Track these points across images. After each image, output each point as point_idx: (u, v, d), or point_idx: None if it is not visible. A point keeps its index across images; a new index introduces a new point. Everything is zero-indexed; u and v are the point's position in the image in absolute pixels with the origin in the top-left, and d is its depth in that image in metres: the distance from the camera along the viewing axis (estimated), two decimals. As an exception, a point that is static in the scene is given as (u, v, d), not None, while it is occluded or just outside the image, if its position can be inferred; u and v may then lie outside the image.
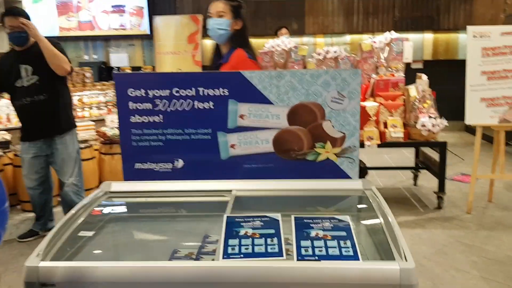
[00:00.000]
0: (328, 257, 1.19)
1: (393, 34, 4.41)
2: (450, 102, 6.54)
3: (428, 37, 8.59)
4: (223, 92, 1.70)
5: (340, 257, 1.19)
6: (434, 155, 4.39)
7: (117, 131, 4.38)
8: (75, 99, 5.40)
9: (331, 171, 1.74)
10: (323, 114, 1.71)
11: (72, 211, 1.51)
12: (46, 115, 3.36)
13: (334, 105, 1.70)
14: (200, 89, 1.71)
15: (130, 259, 1.52)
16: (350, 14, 8.55)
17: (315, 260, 1.18)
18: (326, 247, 1.23)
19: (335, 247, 1.23)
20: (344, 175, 1.74)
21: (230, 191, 1.65)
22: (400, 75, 4.30)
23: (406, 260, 1.16)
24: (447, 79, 7.87)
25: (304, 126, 1.72)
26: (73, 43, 9.27)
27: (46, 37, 3.25)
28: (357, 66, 4.40)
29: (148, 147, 1.76)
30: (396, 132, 4.00)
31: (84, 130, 4.85)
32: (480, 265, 3.06)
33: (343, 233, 1.28)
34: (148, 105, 1.73)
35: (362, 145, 3.84)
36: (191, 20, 7.79)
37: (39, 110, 3.34)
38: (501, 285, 2.80)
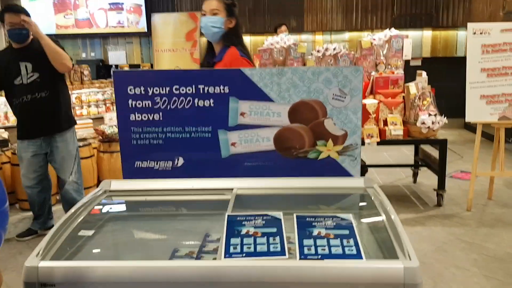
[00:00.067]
0: (331, 256, 1.18)
1: (393, 31, 4.39)
2: (449, 99, 6.54)
3: (427, 34, 8.59)
4: (224, 89, 1.69)
5: (343, 256, 1.18)
6: (434, 153, 4.39)
7: (115, 129, 4.36)
8: (73, 97, 5.38)
9: (333, 169, 1.72)
10: (324, 111, 1.70)
11: (72, 210, 1.49)
12: (47, 112, 3.34)
13: (336, 103, 1.69)
14: (200, 86, 1.69)
15: (130, 258, 1.51)
16: (349, 11, 8.54)
17: (318, 259, 1.17)
18: (329, 246, 1.21)
19: (338, 246, 1.21)
20: (345, 173, 1.73)
21: (231, 189, 1.64)
22: (400, 73, 4.29)
23: (410, 259, 1.15)
24: (445, 76, 7.87)
25: (305, 123, 1.71)
26: (71, 41, 9.24)
27: (44, 35, 3.24)
28: (356, 63, 4.38)
29: (148, 145, 1.75)
30: (396, 130, 3.99)
31: (82, 128, 4.83)
32: (481, 263, 3.06)
33: (346, 232, 1.27)
34: (148, 103, 1.72)
35: (362, 142, 3.83)
36: (189, 18, 7.77)
37: (39, 107, 3.32)
38: (502, 282, 2.80)
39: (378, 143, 3.96)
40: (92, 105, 5.77)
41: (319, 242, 1.23)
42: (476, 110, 3.95)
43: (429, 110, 3.94)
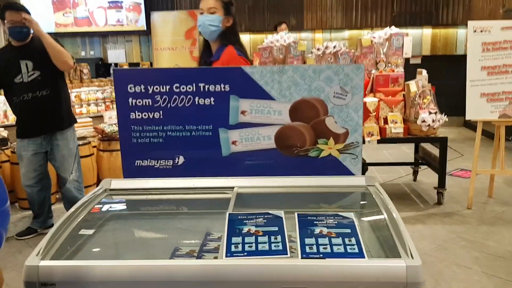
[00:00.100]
0: (333, 254, 1.17)
1: (393, 29, 4.38)
2: (448, 97, 6.54)
3: (426, 32, 8.57)
4: (224, 87, 1.68)
5: (345, 254, 1.17)
6: (434, 151, 4.38)
7: (115, 128, 4.35)
8: (72, 96, 5.37)
9: (334, 167, 1.72)
10: (325, 109, 1.69)
11: (72, 209, 1.48)
12: (48, 110, 3.34)
13: (337, 101, 1.68)
14: (201, 85, 1.69)
15: (131, 257, 1.50)
16: (348, 9, 8.52)
17: (320, 258, 1.17)
18: (331, 245, 1.21)
19: (340, 245, 1.21)
20: (347, 172, 1.73)
21: (232, 188, 1.63)
22: (400, 71, 4.28)
23: (412, 257, 1.14)
24: (445, 74, 7.86)
25: (306, 122, 1.70)
26: (70, 39, 9.22)
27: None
28: (356, 61, 4.37)
29: (148, 144, 1.74)
30: (396, 128, 3.98)
31: (82, 127, 4.82)
32: (482, 261, 3.05)
33: (348, 230, 1.26)
34: (148, 101, 1.71)
35: (362, 141, 3.83)
36: (188, 16, 7.77)
37: (40, 106, 3.31)
38: (503, 281, 2.79)
39: (378, 141, 3.95)
40: (91, 104, 5.75)
41: (320, 240, 1.22)
42: (477, 108, 3.95)
43: (429, 108, 3.94)
